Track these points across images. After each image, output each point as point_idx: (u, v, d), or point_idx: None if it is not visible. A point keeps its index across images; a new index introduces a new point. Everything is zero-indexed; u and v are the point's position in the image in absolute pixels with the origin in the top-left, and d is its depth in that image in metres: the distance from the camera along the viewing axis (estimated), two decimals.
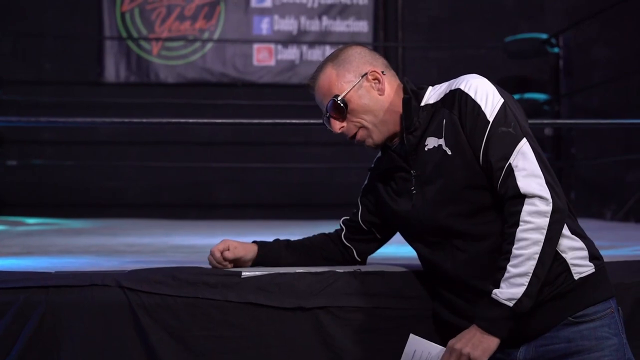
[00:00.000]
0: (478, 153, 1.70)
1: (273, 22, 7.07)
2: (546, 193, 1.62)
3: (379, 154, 1.95)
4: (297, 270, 1.95)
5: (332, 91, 1.83)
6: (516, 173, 1.64)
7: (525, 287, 1.60)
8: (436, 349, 1.69)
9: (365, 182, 2.00)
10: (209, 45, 6.98)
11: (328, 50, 6.85)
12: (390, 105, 1.83)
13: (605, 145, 6.21)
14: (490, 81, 1.76)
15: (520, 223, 1.61)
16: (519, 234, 1.61)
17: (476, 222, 1.73)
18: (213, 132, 6.78)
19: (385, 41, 7.15)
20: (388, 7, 7.13)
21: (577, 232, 1.73)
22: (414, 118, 1.79)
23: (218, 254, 1.94)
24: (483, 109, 1.70)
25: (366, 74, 1.83)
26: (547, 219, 1.61)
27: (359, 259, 2.03)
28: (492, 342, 1.63)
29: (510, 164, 1.65)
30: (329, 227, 2.15)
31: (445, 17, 7.10)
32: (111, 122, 4.66)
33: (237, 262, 1.97)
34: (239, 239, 2.02)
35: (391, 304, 1.93)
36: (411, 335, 1.76)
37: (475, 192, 1.72)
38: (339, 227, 2.04)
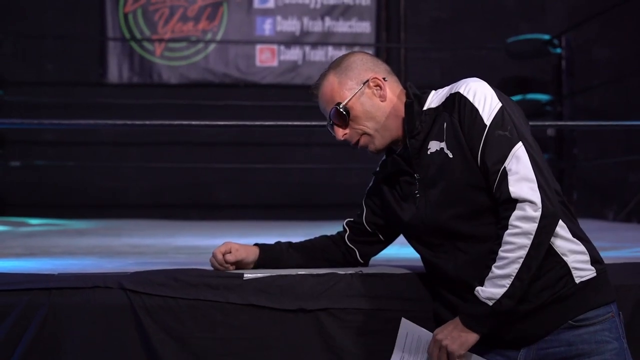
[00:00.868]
0: (476, 156, 1.71)
1: (276, 22, 7.07)
2: (537, 198, 1.62)
3: (384, 157, 1.96)
4: (299, 272, 1.95)
5: (335, 99, 1.85)
6: (509, 177, 1.65)
7: (506, 288, 1.62)
8: (425, 334, 1.74)
9: (370, 184, 2.01)
10: (212, 46, 6.98)
11: (331, 51, 6.84)
12: (393, 110, 1.84)
13: (607, 145, 6.20)
14: (491, 84, 1.77)
15: (509, 227, 1.63)
16: (506, 237, 1.63)
17: (478, 223, 1.74)
18: (214, 133, 6.77)
19: (387, 42, 7.15)
20: (390, 8, 7.14)
21: (578, 235, 1.74)
22: (416, 122, 1.80)
23: (220, 256, 1.95)
24: (481, 112, 1.71)
25: (368, 80, 1.84)
26: (535, 225, 1.62)
27: (362, 261, 2.04)
28: (470, 337, 1.66)
29: (505, 167, 1.66)
30: (330, 227, 2.15)
31: (447, 18, 7.11)
32: (114, 124, 4.65)
33: (239, 264, 1.98)
34: (240, 240, 2.02)
35: (392, 306, 1.93)
36: (403, 319, 1.80)
37: (476, 194, 1.73)
38: (342, 229, 2.05)
